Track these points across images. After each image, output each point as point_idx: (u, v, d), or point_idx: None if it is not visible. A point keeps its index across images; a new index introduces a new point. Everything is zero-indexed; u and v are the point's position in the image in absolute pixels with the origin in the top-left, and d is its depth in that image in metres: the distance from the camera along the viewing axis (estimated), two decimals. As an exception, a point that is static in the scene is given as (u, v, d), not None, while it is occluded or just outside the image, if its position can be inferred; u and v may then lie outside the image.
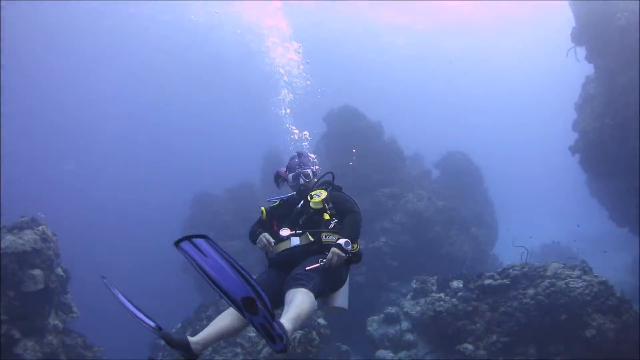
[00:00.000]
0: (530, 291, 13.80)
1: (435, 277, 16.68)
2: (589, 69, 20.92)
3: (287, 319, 4.04)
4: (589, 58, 19.85)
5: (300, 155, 5.99)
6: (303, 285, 4.55)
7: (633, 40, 16.79)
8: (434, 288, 16.17)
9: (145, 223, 59.83)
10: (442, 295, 15.27)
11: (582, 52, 20.04)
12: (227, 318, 4.49)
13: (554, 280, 13.75)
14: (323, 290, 4.94)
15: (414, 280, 16.90)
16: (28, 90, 48.95)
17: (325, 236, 5.31)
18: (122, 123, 63.52)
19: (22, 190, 55.62)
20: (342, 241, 5.05)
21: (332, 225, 5.38)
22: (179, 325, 19.37)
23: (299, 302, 4.31)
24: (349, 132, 26.35)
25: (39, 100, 52.71)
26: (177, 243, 3.13)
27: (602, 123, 18.94)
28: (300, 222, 5.45)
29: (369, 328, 16.72)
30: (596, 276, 13.70)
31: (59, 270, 15.27)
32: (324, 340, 15.54)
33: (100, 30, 43.34)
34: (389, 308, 17.25)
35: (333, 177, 6.04)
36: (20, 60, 43.13)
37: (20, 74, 44.98)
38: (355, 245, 5.27)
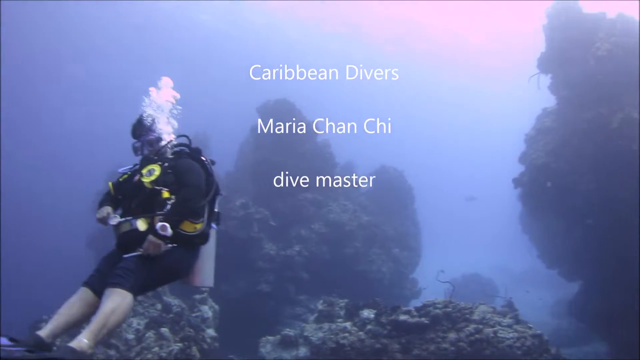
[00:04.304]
0: (452, 335, 11.98)
1: (346, 300, 14.68)
2: (545, 100, 19.85)
3: (88, 332, 3.98)
4: (553, 88, 18.72)
5: (149, 116, 5.24)
6: (120, 285, 4.28)
7: (609, 73, 15.77)
8: (342, 313, 14.18)
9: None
10: (348, 325, 13.26)
11: (545, 81, 18.96)
12: (74, 306, 4.42)
13: (480, 326, 12.05)
14: (150, 283, 4.69)
15: (321, 301, 14.92)
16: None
17: (159, 219, 4.66)
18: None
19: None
20: (158, 226, 4.49)
21: (168, 207, 4.72)
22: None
23: (107, 309, 4.13)
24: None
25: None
26: None
27: (554, 159, 17.74)
28: (134, 204, 4.84)
29: (262, 349, 14.77)
30: (530, 327, 12.24)
31: None
32: (213, 353, 14.04)
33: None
34: (287, 330, 15.20)
35: (190, 141, 5.37)
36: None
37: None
38: (191, 225, 4.78)
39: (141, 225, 4.63)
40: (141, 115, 5.25)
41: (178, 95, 5.32)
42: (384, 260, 23.50)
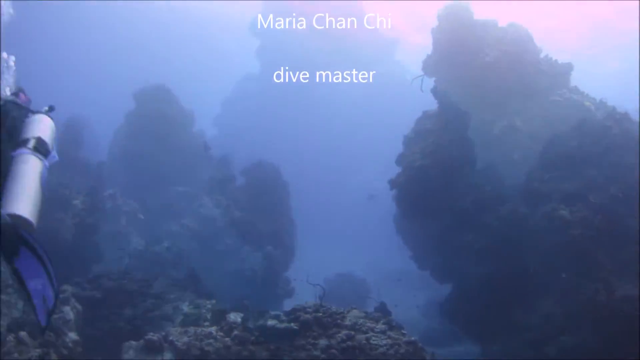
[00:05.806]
0: (323, 342, 11.38)
1: (213, 301, 13.96)
2: (427, 102, 19.62)
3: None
4: (436, 92, 18.51)
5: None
6: None
7: (495, 80, 15.94)
8: (209, 316, 13.38)
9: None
10: (213, 330, 12.43)
11: (430, 83, 18.83)
12: None
13: (352, 332, 11.52)
14: None
15: (187, 302, 14.06)
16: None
17: None
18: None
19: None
20: None
21: None
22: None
23: None
24: (156, 115, 23.47)
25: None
26: None
27: (432, 161, 17.68)
28: None
29: (125, 355, 13.53)
30: (404, 334, 11.83)
31: None
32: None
33: None
34: (151, 334, 14.15)
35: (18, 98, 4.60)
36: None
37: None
38: None
39: None
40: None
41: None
42: (256, 258, 22.86)
